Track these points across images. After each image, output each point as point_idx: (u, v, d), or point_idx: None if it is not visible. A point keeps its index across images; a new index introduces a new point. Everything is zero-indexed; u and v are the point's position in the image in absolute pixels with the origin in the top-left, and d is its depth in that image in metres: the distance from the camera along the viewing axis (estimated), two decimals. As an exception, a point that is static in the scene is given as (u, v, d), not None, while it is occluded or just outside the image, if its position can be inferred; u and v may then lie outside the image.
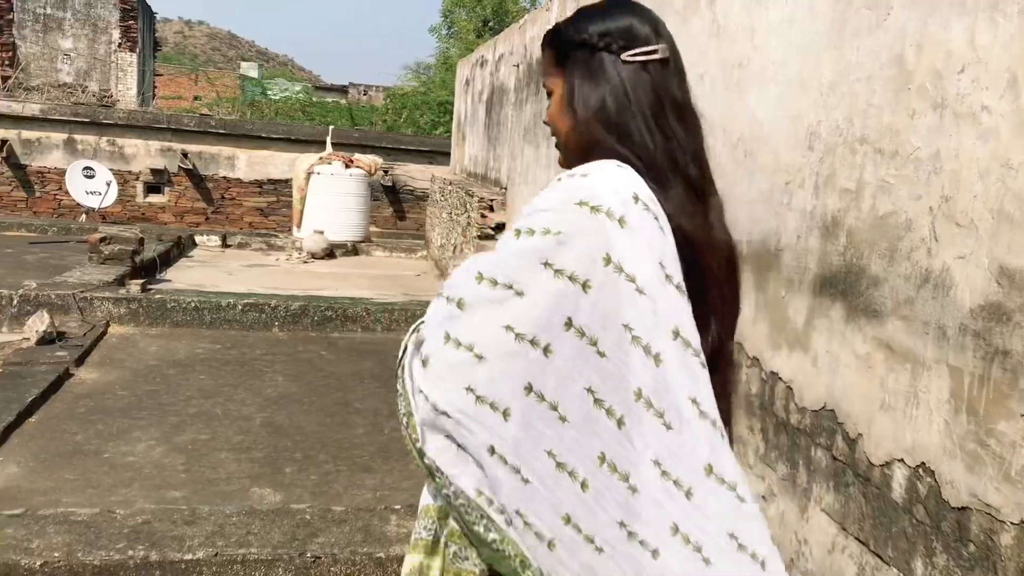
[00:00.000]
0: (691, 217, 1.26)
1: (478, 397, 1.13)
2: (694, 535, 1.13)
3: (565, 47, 1.34)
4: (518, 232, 1.20)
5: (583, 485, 1.13)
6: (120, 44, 22.53)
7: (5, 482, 3.75)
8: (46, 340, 5.74)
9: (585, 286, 1.15)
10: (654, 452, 1.14)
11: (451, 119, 25.36)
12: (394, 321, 6.98)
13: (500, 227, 7.21)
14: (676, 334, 1.17)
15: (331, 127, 13.61)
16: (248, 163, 14.22)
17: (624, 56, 1.27)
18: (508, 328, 1.14)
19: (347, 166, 11.42)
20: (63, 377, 5.21)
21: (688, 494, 1.14)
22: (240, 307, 6.69)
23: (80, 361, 5.60)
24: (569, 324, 1.14)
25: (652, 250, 1.18)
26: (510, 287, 1.16)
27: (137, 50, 22.85)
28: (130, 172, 13.96)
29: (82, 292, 6.53)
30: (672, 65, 1.30)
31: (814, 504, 2.43)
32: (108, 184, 11.64)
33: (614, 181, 1.20)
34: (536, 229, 1.18)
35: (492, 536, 1.13)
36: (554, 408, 1.14)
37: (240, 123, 14.85)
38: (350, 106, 32.35)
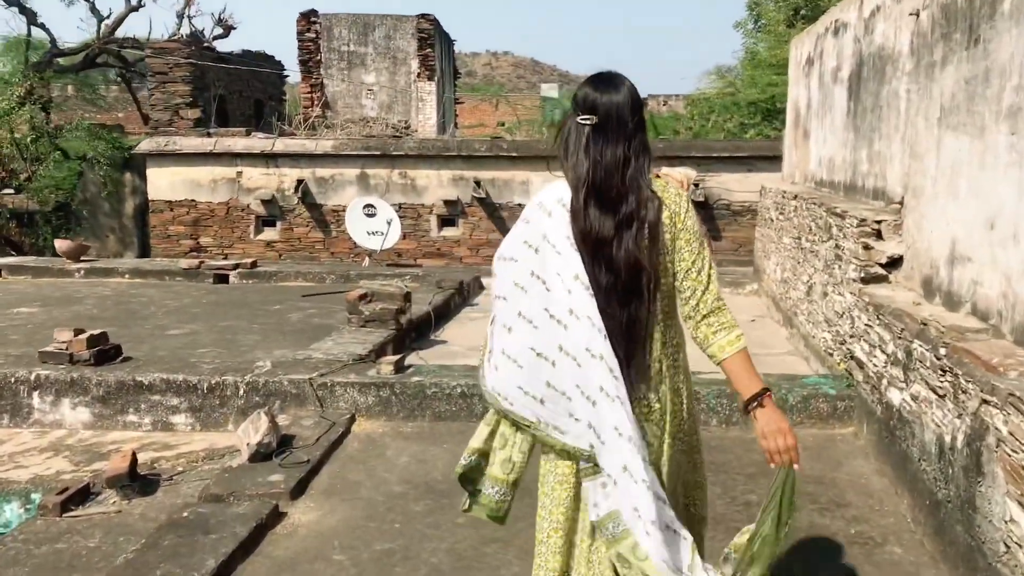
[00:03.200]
0: (587, 217, 2.13)
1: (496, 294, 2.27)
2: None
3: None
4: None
5: (534, 327, 2.17)
6: (419, 74, 22.31)
7: None
8: (261, 454, 4.21)
9: (537, 251, 2.19)
10: (574, 340, 2.12)
11: (764, 120, 22.69)
12: (735, 411, 4.76)
13: (896, 262, 4.75)
14: (576, 277, 2.13)
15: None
16: (543, 187, 12.64)
17: (575, 120, 2.17)
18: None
19: (654, 183, 9.36)
20: (265, 526, 3.58)
21: (576, 362, 2.13)
22: (520, 393, 4.83)
23: (301, 488, 3.98)
24: (532, 274, 2.19)
25: (563, 229, 2.16)
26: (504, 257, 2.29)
27: (436, 78, 22.52)
28: (423, 205, 12.95)
29: (321, 376, 5.01)
30: (598, 129, 2.14)
31: None
32: (389, 223, 10.51)
33: (553, 190, 2.22)
34: (520, 218, 2.27)
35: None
36: (524, 290, 2.20)
37: (531, 144, 13.40)
38: (651, 116, 30.48)
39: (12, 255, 14.75)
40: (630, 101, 2.14)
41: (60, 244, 10.15)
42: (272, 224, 13.42)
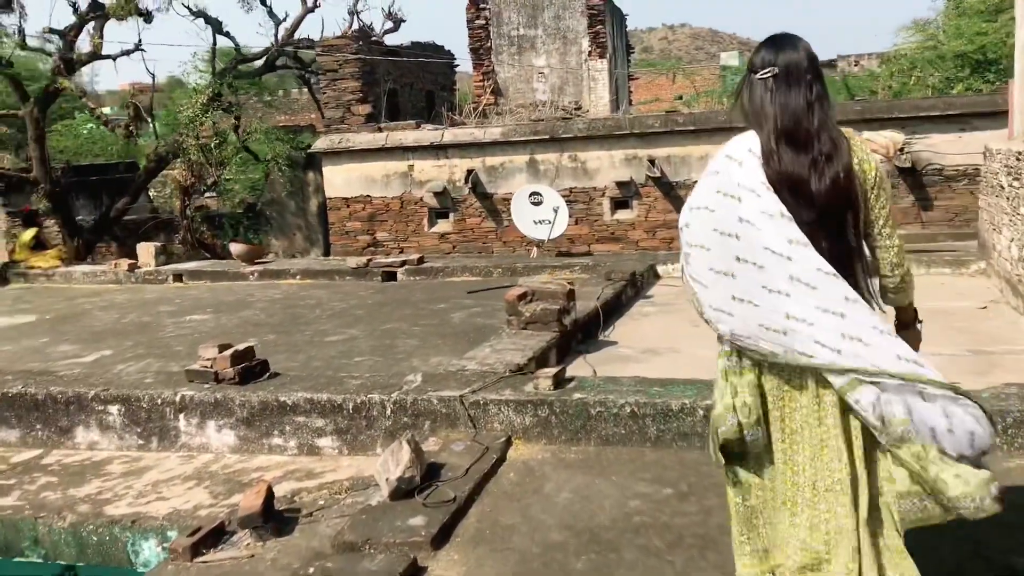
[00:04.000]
0: (782, 159, 2.24)
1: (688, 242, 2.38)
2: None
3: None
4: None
5: (759, 267, 2.22)
6: (590, 52, 21.57)
7: None
8: (403, 491, 3.71)
9: (736, 197, 2.25)
10: (762, 282, 2.21)
11: (973, 73, 20.40)
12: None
13: None
14: (783, 214, 2.20)
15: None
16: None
17: (755, 76, 2.31)
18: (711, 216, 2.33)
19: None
20: (398, 587, 3.06)
21: (810, 286, 2.17)
22: (701, 412, 4.07)
23: (444, 535, 3.43)
24: (740, 220, 2.24)
25: (756, 175, 2.24)
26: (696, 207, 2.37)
27: (608, 55, 21.71)
28: (594, 188, 12.29)
29: (474, 393, 4.46)
30: (780, 79, 2.27)
31: None
32: (555, 211, 9.91)
33: (741, 140, 2.32)
34: (708, 168, 2.37)
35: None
36: (735, 236, 2.24)
37: (710, 116, 12.40)
38: (845, 77, 28.31)
39: (207, 257, 15.36)
40: (805, 53, 2.30)
41: (235, 247, 10.27)
42: (445, 216, 13.15)
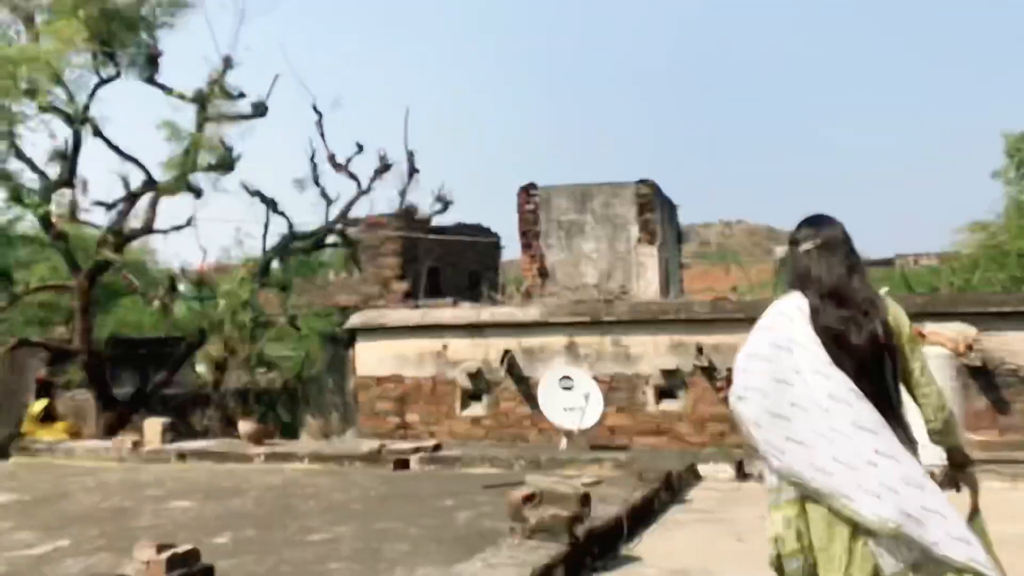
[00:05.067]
0: (826, 316, 2.61)
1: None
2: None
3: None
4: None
5: (809, 413, 2.54)
6: (639, 239, 21.37)
7: None
8: None
9: (789, 351, 2.60)
10: (811, 427, 2.53)
11: (1039, 273, 19.64)
12: None
13: None
14: (830, 363, 2.54)
15: (884, 289, 9.71)
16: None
17: (798, 249, 2.76)
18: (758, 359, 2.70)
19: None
20: None
21: (848, 436, 2.51)
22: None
23: None
24: (793, 371, 2.58)
25: (805, 331, 2.60)
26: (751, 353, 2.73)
27: (657, 243, 21.47)
28: (638, 375, 11.49)
29: (445, 624, 3.58)
30: (822, 249, 2.70)
31: None
32: (587, 397, 9.13)
33: (789, 299, 2.71)
34: (759, 323, 2.73)
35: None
36: (788, 383, 2.58)
37: (760, 304, 11.65)
38: (903, 271, 27.76)
39: (236, 435, 14.75)
40: (840, 229, 2.77)
41: (243, 426, 9.65)
42: (478, 398, 12.41)
